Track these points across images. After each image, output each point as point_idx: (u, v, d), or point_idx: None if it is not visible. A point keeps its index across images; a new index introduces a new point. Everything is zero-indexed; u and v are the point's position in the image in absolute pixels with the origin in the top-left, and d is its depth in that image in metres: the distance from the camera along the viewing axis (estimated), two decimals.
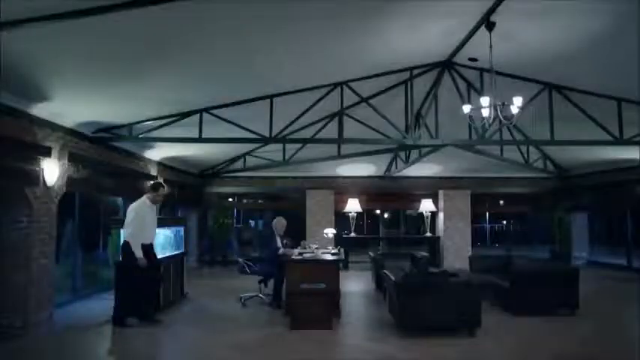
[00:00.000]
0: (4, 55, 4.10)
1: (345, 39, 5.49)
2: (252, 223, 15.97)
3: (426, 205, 13.02)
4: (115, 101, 6.28)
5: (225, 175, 12.88)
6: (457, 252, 12.78)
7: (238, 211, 15.27)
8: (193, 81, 6.08)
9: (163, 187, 6.67)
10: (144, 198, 6.36)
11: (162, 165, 10.12)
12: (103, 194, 8.56)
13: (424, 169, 12.43)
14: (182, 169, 11.44)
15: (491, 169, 12.52)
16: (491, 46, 5.42)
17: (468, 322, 5.43)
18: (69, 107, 5.94)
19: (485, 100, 5.15)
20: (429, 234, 13.11)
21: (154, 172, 9.69)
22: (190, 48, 4.98)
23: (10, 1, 3.33)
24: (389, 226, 15.84)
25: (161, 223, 7.72)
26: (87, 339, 5.64)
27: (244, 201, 14.55)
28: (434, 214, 13.40)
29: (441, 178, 13.38)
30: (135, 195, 8.98)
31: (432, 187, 13.45)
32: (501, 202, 16.30)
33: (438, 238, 13.18)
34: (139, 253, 5.88)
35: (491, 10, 5.13)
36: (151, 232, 6.35)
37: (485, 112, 5.44)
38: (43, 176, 5.79)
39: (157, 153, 9.51)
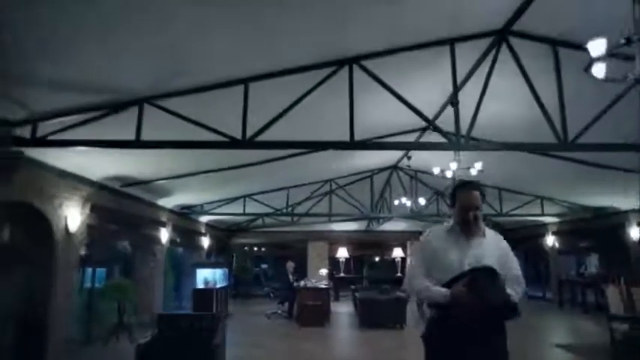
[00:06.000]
0: (161, 185, 8.63)
1: (333, 162, 10.07)
2: (265, 266, 20.23)
3: (397, 253, 17.43)
4: (197, 194, 10.86)
5: (246, 230, 17.35)
6: None
7: (256, 257, 19.64)
8: (244, 182, 10.67)
9: None
10: None
11: (208, 225, 14.61)
12: (176, 246, 12.99)
13: (396, 225, 16.88)
14: (219, 226, 15.93)
15: None
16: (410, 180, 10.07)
17: (397, 321, 9.77)
18: (176, 199, 10.50)
19: (404, 199, 9.73)
20: (399, 274, 17.42)
21: (203, 230, 14.16)
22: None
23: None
24: (372, 268, 20.06)
25: (215, 265, 12.15)
26: None
27: (262, 249, 18.97)
28: (404, 259, 17.76)
29: (408, 232, 17.81)
30: (190, 244, 13.47)
31: (401, 238, 17.90)
32: None
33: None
34: None
35: (396, 165, 9.77)
36: None
37: (408, 204, 10.03)
38: (161, 238, 10.27)
39: (206, 218, 14.02)
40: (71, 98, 4.69)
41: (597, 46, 2.87)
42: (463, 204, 2.64)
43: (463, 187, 2.74)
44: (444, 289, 2.46)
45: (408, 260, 17.33)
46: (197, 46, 4.29)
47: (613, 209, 11.34)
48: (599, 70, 3.07)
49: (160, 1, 3.54)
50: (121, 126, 5.03)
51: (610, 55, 2.96)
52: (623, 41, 2.68)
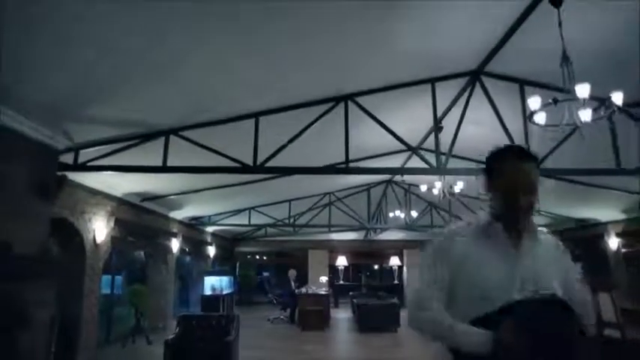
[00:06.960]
0: (175, 199, 9.44)
1: (332, 177, 10.89)
2: (267, 274, 20.98)
3: (394, 261, 18.18)
4: (206, 207, 11.67)
5: (250, 239, 18.13)
6: None
7: (259, 265, 20.42)
8: (250, 195, 11.48)
9: None
10: None
11: (214, 235, 15.39)
12: (185, 255, 13.78)
13: (393, 234, 17.64)
14: (224, 236, 16.72)
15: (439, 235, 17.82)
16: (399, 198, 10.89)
17: (392, 325, 10.52)
18: (186, 211, 11.30)
19: (398, 212, 10.52)
20: (396, 282, 18.17)
21: (209, 239, 14.94)
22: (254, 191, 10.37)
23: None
24: (370, 276, 20.79)
25: (221, 273, 12.94)
26: None
27: (264, 257, 19.75)
28: (400, 267, 18.52)
29: (405, 240, 18.58)
30: (197, 253, 14.25)
31: (398, 247, 18.66)
32: None
33: (403, 284, 18.24)
34: None
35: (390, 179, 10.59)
36: None
37: (402, 216, 10.83)
38: (172, 248, 11.07)
39: (212, 228, 14.81)
40: (109, 131, 5.53)
41: (534, 102, 3.70)
42: (511, 183, 1.57)
43: (510, 155, 1.63)
44: (481, 332, 1.43)
45: (408, 278, 18.32)
46: (218, 88, 5.12)
47: (594, 221, 12.15)
48: (540, 119, 3.90)
49: (194, 56, 4.37)
50: (147, 152, 5.87)
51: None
52: (550, 101, 3.49)
